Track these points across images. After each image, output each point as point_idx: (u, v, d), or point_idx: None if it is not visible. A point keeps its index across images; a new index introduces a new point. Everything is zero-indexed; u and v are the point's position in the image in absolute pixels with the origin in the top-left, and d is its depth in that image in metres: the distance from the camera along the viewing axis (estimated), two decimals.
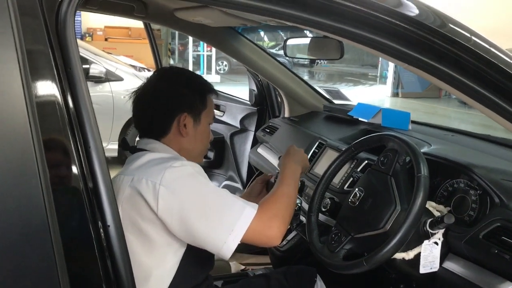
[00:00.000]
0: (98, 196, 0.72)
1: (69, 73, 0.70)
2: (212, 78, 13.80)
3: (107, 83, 5.11)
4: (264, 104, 2.78)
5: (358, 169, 1.70)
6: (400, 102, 13.30)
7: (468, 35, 1.00)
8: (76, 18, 1.03)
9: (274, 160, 2.38)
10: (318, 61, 19.08)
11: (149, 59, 7.86)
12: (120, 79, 5.29)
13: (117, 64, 5.59)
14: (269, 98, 2.75)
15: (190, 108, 1.28)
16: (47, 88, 0.68)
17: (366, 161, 1.71)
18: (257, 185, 1.63)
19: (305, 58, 1.75)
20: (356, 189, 1.43)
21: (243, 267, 2.35)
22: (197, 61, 15.59)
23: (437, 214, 1.36)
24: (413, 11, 0.98)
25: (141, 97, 1.30)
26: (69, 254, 0.67)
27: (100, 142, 0.76)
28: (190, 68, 15.27)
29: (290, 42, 1.75)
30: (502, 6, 11.94)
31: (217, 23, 2.04)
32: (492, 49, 1.03)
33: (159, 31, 12.34)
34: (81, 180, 0.71)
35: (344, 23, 0.93)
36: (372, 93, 14.56)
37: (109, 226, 0.71)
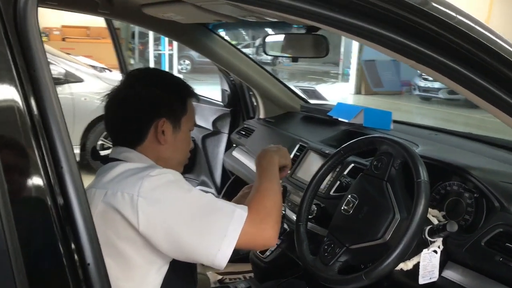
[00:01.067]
0: (71, 216, 0.59)
1: (33, 76, 0.56)
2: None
3: (66, 85, 4.87)
4: (237, 105, 2.66)
5: (345, 173, 1.61)
6: (363, 99, 13.46)
7: (452, 13, 0.91)
8: None
9: (251, 164, 2.26)
10: (280, 60, 19.11)
11: (109, 59, 7.61)
12: (80, 80, 5.07)
13: (77, 64, 5.34)
14: (243, 98, 2.63)
15: (169, 113, 1.17)
16: (5, 93, 0.54)
17: (353, 164, 1.63)
18: (245, 193, 1.51)
19: (287, 57, 1.64)
20: (349, 195, 1.34)
21: (220, 277, 2.23)
22: (158, 60, 15.28)
23: (433, 219, 1.28)
24: None
25: (114, 101, 1.18)
26: (35, 284, 0.54)
27: (73, 156, 0.63)
28: (152, 66, 14.90)
29: (270, 39, 1.64)
30: None
31: (189, 19, 1.91)
32: (477, 27, 0.93)
33: (118, 30, 11.98)
34: (50, 198, 0.58)
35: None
36: (335, 91, 14.68)
37: (88, 264, 0.58)
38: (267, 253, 1.82)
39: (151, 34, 15.57)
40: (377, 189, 1.27)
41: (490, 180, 1.30)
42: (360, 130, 1.97)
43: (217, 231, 1.00)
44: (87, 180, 1.01)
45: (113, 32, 2.98)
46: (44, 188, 0.56)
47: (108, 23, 2.92)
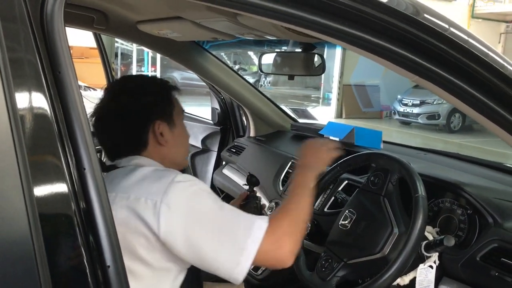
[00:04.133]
0: (93, 218, 0.58)
1: (59, 79, 0.56)
2: None
3: None
4: (227, 123, 2.67)
5: (339, 189, 1.63)
6: (344, 122, 13.60)
7: (445, 25, 0.94)
8: None
9: (241, 181, 2.26)
10: (262, 83, 19.27)
11: (91, 79, 7.59)
12: None
13: None
14: (233, 117, 2.65)
15: (160, 113, 1.18)
16: (33, 97, 0.54)
17: (347, 181, 1.64)
18: (235, 205, 1.52)
19: (283, 75, 1.67)
20: (346, 211, 1.35)
21: None
22: None
23: (428, 235, 1.30)
24: None
25: (105, 118, 1.18)
26: (58, 284, 0.53)
27: (96, 158, 0.63)
28: None
29: (266, 57, 1.66)
30: None
31: (185, 37, 1.93)
32: (470, 40, 0.97)
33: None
34: (73, 200, 0.57)
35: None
36: (317, 114, 14.84)
37: (108, 266, 0.57)
38: (260, 270, 1.81)
39: (134, 54, 15.65)
40: (374, 204, 1.29)
41: (483, 196, 1.33)
42: (352, 148, 1.99)
43: (237, 244, 0.99)
44: None
45: (103, 50, 2.98)
46: (68, 190, 0.56)
47: (98, 40, 2.92)
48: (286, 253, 1.03)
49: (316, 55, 1.54)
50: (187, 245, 0.99)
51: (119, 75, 16.58)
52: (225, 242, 0.99)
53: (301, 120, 2.63)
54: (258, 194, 1.65)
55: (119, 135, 1.16)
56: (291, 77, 1.63)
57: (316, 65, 1.55)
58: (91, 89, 5.96)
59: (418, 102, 12.27)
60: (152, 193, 1.01)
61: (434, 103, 12.03)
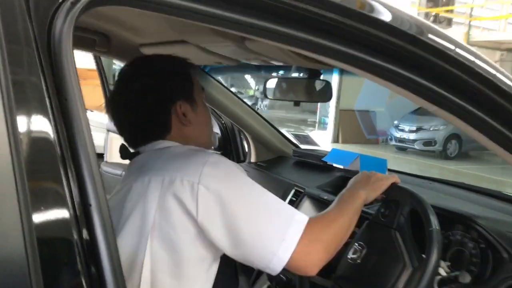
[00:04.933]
0: (98, 256, 0.53)
1: (65, 105, 0.52)
2: None
3: None
4: (228, 148, 2.63)
5: None
6: (340, 147, 13.61)
7: (451, 45, 0.90)
8: None
9: None
10: (259, 106, 19.32)
11: (89, 100, 7.54)
12: None
13: None
14: (234, 141, 2.61)
15: (182, 93, 1.13)
16: (36, 124, 0.49)
17: None
18: None
19: (289, 101, 1.63)
20: (356, 244, 1.30)
21: None
22: None
23: (440, 270, 1.25)
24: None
25: (123, 104, 1.13)
26: None
27: (103, 192, 0.58)
28: None
29: (271, 83, 1.63)
30: None
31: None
32: (476, 60, 0.93)
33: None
34: (77, 236, 0.52)
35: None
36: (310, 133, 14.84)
37: None
38: None
39: None
40: (385, 238, 1.24)
41: (496, 229, 1.28)
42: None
43: (276, 233, 0.94)
44: None
45: (102, 72, 2.95)
46: (71, 226, 0.51)
47: (98, 62, 2.90)
48: (315, 260, 0.98)
49: (323, 82, 1.51)
50: (225, 229, 0.94)
51: None
52: (265, 227, 0.94)
53: (303, 146, 2.59)
54: None
55: (140, 120, 1.11)
56: (296, 103, 1.59)
57: (323, 91, 1.52)
58: (88, 110, 5.91)
59: (414, 128, 12.31)
60: (188, 174, 0.96)
61: (431, 129, 12.08)
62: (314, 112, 19.10)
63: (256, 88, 21.72)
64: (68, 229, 0.51)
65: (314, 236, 0.97)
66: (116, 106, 1.14)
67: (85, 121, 0.55)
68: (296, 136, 2.49)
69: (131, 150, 1.15)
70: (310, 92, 1.54)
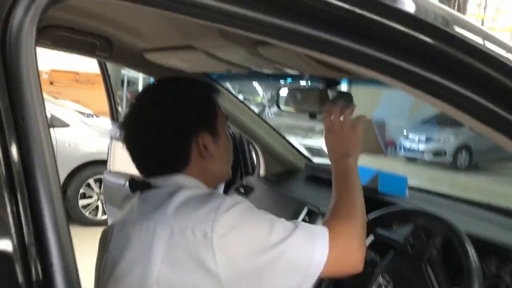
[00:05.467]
0: None
1: (21, 126, 0.39)
2: None
3: (51, 130, 4.68)
4: (236, 160, 2.48)
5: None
6: None
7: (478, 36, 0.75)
8: None
9: None
10: (266, 113, 19.19)
11: (96, 105, 7.48)
12: (66, 125, 4.88)
13: (63, 109, 5.18)
14: (242, 153, 2.47)
15: (205, 124, 1.03)
16: None
17: (372, 236, 1.44)
18: None
19: (304, 112, 1.49)
20: (380, 277, 1.15)
21: None
22: None
23: None
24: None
25: (139, 131, 1.02)
26: None
27: (66, 226, 0.45)
28: None
29: (284, 92, 1.49)
30: None
31: (195, 68, 1.77)
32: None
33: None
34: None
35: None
36: (321, 145, 14.65)
37: None
38: None
39: (140, 82, 15.64)
40: (415, 272, 1.09)
41: None
42: (374, 196, 1.80)
43: (302, 267, 0.90)
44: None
45: (107, 77, 2.83)
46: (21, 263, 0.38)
47: (102, 67, 2.78)
48: (354, 259, 0.95)
49: (344, 93, 1.37)
50: (250, 276, 0.87)
51: (124, 104, 16.70)
52: (289, 269, 0.89)
53: (315, 160, 2.44)
54: None
55: (157, 151, 1.01)
56: (313, 116, 1.45)
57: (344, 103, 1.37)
58: (93, 116, 5.81)
59: (424, 138, 12.12)
60: (199, 222, 0.87)
61: (441, 140, 11.89)
62: (322, 120, 18.92)
63: (264, 96, 21.62)
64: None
65: (344, 236, 0.95)
66: (131, 131, 1.04)
67: (47, 142, 0.41)
68: (308, 148, 2.35)
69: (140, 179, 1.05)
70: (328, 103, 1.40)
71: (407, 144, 12.46)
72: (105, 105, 2.96)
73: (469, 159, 11.91)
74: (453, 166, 11.75)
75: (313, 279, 0.90)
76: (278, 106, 1.52)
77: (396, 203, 1.63)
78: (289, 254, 0.89)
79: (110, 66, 2.84)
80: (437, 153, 11.90)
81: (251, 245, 0.88)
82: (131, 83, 17.58)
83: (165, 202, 0.93)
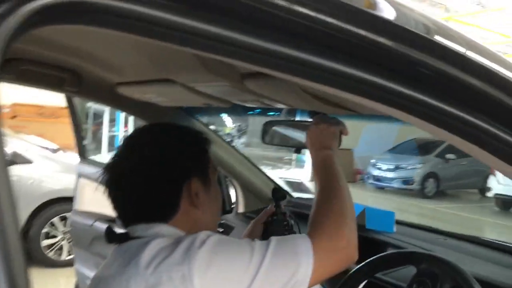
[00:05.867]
0: None
1: None
2: None
3: (13, 167, 4.45)
4: None
5: None
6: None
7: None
8: None
9: None
10: (234, 144, 19.15)
11: (62, 139, 7.23)
12: (28, 161, 4.66)
13: (26, 144, 4.96)
14: (220, 190, 2.35)
15: (198, 169, 0.98)
16: None
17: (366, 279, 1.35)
18: (257, 227, 1.33)
19: (290, 147, 1.42)
20: None
21: None
22: (112, 141, 14.93)
23: None
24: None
25: (125, 177, 0.96)
26: None
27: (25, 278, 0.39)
28: (105, 149, 14.56)
29: (270, 126, 1.41)
30: None
31: (172, 102, 1.67)
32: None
33: None
34: None
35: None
36: (289, 176, 14.62)
37: None
38: None
39: (106, 115, 15.35)
40: None
41: None
42: (362, 232, 1.71)
43: (289, 281, 0.85)
44: None
45: (74, 111, 2.70)
46: None
47: (69, 100, 2.66)
48: (346, 251, 0.91)
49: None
50: None
51: (89, 135, 16.34)
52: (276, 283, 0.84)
53: (295, 194, 2.35)
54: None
55: (144, 199, 0.94)
56: (298, 151, 1.37)
57: None
58: (60, 150, 5.59)
59: (392, 166, 12.28)
60: (174, 265, 0.82)
61: (409, 168, 12.07)
62: (290, 150, 19.02)
63: (233, 126, 21.64)
64: None
65: (331, 232, 0.91)
66: (116, 176, 0.97)
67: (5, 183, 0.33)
68: (288, 182, 2.26)
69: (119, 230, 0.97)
70: None
71: (375, 172, 12.58)
72: (71, 139, 2.83)
73: (436, 187, 12.12)
74: (421, 193, 11.91)
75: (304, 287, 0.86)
76: (264, 141, 1.44)
77: (387, 242, 1.55)
78: (273, 273, 0.85)
79: (77, 98, 2.72)
80: (406, 181, 12.06)
81: (232, 275, 0.83)
82: (97, 115, 17.27)
83: (137, 254, 0.87)
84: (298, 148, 1.39)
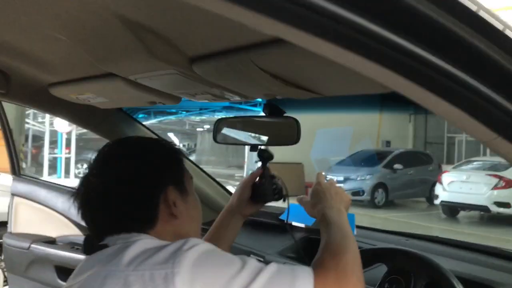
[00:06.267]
0: None
1: None
2: (71, 182, 12.87)
3: None
4: None
5: None
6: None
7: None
8: None
9: None
10: None
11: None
12: None
13: None
14: None
15: (172, 178, 0.97)
16: None
17: None
18: (246, 190, 1.28)
19: (245, 144, 1.32)
20: None
21: None
22: (53, 164, 14.36)
23: None
24: None
25: (98, 191, 0.94)
26: None
27: None
28: (46, 172, 13.92)
29: (224, 124, 1.30)
30: None
31: (113, 102, 1.52)
32: None
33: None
34: None
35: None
36: None
37: None
38: None
39: (47, 136, 14.72)
40: None
41: None
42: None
43: None
44: None
45: (4, 121, 2.47)
46: None
47: (0, 113, 2.43)
48: None
49: (291, 120, 1.21)
50: None
51: (29, 158, 15.54)
52: None
53: None
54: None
55: (121, 213, 0.93)
56: (253, 148, 1.28)
57: (290, 131, 1.22)
58: None
59: (342, 178, 12.45)
60: (158, 264, 0.81)
61: (358, 179, 12.30)
62: (241, 167, 19.04)
63: (182, 145, 21.39)
64: None
65: (338, 275, 0.85)
66: (89, 194, 0.96)
67: None
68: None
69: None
70: (275, 133, 1.24)
71: None
72: (4, 159, 2.59)
73: (385, 197, 12.41)
74: (372, 204, 12.14)
75: None
76: (216, 140, 1.33)
77: None
78: None
79: (9, 113, 2.49)
80: (355, 192, 12.26)
81: (217, 283, 0.80)
82: (37, 137, 16.53)
83: (119, 254, 0.85)
84: (252, 146, 1.29)
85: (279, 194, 1.25)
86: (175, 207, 0.96)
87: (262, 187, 1.24)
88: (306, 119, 1.21)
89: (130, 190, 0.94)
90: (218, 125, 1.30)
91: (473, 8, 0.55)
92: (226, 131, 1.30)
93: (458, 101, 0.55)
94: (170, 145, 1.05)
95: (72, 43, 1.08)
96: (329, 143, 12.26)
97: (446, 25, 0.52)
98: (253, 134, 1.29)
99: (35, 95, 1.56)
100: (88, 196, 0.96)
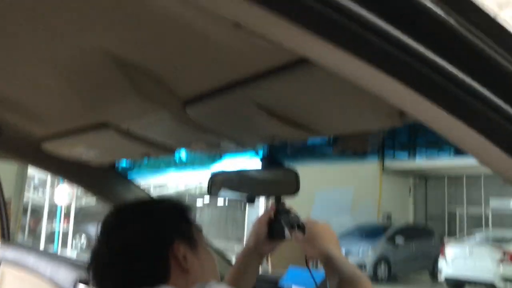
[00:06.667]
0: None
1: None
2: (68, 254, 12.75)
3: None
4: None
5: None
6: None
7: None
8: None
9: None
10: None
11: None
12: None
13: None
14: None
15: (178, 233, 0.97)
16: None
17: None
18: (262, 228, 1.21)
19: (241, 198, 1.27)
20: None
21: None
22: (51, 238, 14.20)
23: None
24: None
25: (109, 255, 0.96)
26: None
27: None
28: (42, 244, 13.70)
29: (219, 177, 1.25)
30: None
31: (104, 156, 1.48)
32: None
33: (8, 202, 10.92)
34: None
35: None
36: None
37: None
38: None
39: (46, 209, 14.57)
40: None
41: None
42: None
43: None
44: None
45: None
46: None
47: None
48: None
49: (289, 172, 1.16)
50: None
51: (26, 231, 15.32)
52: None
53: None
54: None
55: (132, 271, 0.94)
56: (251, 200, 1.23)
57: (288, 183, 1.17)
58: None
59: (343, 252, 12.21)
60: None
61: (360, 254, 12.05)
62: (240, 240, 18.75)
63: None
64: None
65: None
66: (99, 264, 0.98)
67: None
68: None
69: None
70: (273, 185, 1.19)
71: None
72: None
73: (388, 271, 12.10)
74: (374, 279, 11.79)
75: None
76: (210, 194, 1.27)
77: None
78: None
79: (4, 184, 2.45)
80: (358, 267, 11.97)
81: None
82: (35, 211, 16.35)
83: None
84: (249, 197, 1.23)
85: (299, 226, 1.18)
86: (186, 261, 0.95)
87: (279, 223, 1.18)
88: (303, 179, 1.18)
89: (135, 253, 0.95)
90: (213, 179, 1.25)
91: None
92: (220, 185, 1.26)
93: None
94: (171, 201, 1.06)
95: (64, 89, 1.06)
96: (329, 206, 12.14)
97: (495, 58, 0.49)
98: (247, 187, 1.24)
99: (26, 151, 1.52)
100: (99, 267, 0.98)
